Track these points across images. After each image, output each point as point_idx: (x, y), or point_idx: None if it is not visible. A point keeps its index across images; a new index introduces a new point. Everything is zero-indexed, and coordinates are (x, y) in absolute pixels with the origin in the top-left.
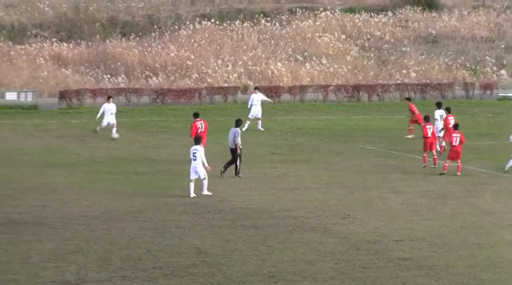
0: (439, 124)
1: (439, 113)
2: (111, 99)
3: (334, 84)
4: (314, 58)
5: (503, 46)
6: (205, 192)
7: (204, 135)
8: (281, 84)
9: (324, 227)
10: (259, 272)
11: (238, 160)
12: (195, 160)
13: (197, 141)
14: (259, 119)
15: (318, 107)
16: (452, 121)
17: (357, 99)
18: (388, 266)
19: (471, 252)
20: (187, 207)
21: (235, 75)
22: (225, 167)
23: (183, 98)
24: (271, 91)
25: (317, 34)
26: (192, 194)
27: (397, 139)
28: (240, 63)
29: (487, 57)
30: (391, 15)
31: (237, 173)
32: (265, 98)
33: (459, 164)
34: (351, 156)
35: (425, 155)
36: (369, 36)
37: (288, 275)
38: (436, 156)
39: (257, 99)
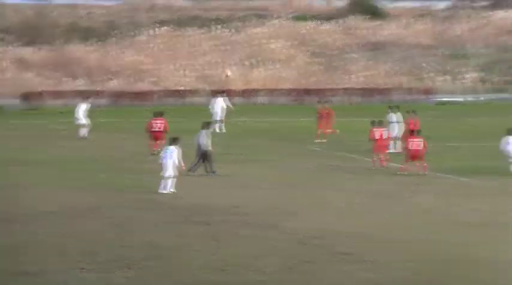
0: (394, 128)
1: (395, 117)
2: (89, 99)
3: (284, 87)
4: (265, 63)
5: (441, 54)
6: (172, 189)
7: (163, 134)
8: (233, 88)
9: (272, 224)
10: (209, 265)
11: (207, 161)
12: (170, 158)
13: (173, 141)
14: (222, 122)
15: (268, 109)
16: (415, 124)
17: (302, 103)
18: (332, 260)
19: (410, 247)
20: (143, 203)
21: (189, 79)
22: (200, 166)
23: (140, 100)
24: (217, 93)
25: (268, 40)
26: (165, 191)
27: (343, 141)
28: (195, 67)
29: (429, 64)
30: (339, 23)
31: (212, 171)
32: (228, 103)
33: (424, 164)
34: (299, 157)
35: (374, 158)
36: (317, 43)
37: (236, 268)
38: (382, 158)
39: (220, 102)
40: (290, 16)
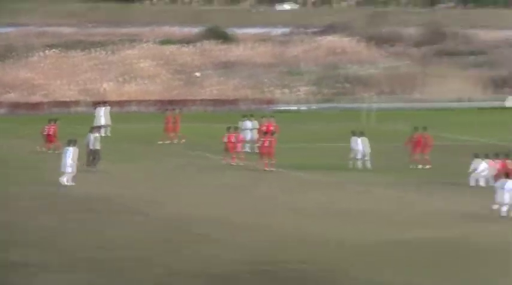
0: (248, 133)
1: (250, 124)
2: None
3: (151, 99)
4: (136, 79)
5: (279, 71)
6: (69, 183)
7: (54, 137)
8: (110, 99)
9: (141, 211)
10: (90, 244)
11: (96, 158)
12: (68, 157)
13: (71, 142)
14: (105, 126)
15: (139, 117)
16: (273, 127)
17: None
18: (188, 240)
19: (253, 229)
20: (39, 194)
21: (73, 92)
22: (90, 165)
23: (33, 110)
24: (100, 104)
25: (138, 60)
26: (66, 183)
27: (200, 143)
28: (78, 82)
29: (270, 79)
30: (196, 46)
31: (94, 165)
32: (108, 113)
33: (272, 162)
34: (164, 156)
35: (226, 157)
36: (178, 63)
37: (112, 246)
38: (234, 156)
39: (103, 111)
40: (156, 41)
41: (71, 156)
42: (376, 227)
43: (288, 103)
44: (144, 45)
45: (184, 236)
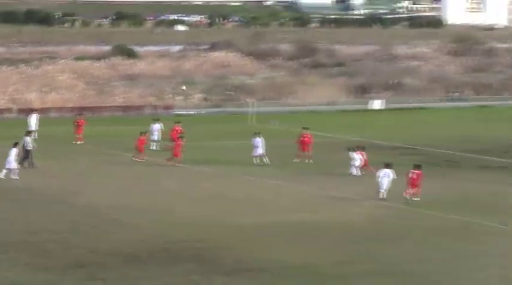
0: (155, 134)
1: (158, 126)
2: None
3: (69, 106)
4: (56, 89)
5: (177, 81)
6: (13, 177)
7: None
8: (35, 107)
9: (64, 200)
10: (21, 229)
11: (29, 158)
12: (13, 155)
13: (14, 144)
14: (35, 131)
15: (59, 122)
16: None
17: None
18: (103, 224)
19: (158, 214)
20: None
21: (3, 101)
22: (22, 163)
23: None
24: (31, 111)
25: (57, 74)
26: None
27: (116, 142)
28: (7, 93)
29: (169, 88)
30: (106, 61)
31: (30, 165)
32: (37, 119)
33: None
34: (84, 154)
35: (141, 156)
36: (92, 75)
37: (40, 231)
38: (143, 155)
39: (34, 117)
40: (73, 57)
41: (14, 154)
42: (261, 211)
43: (185, 108)
44: (62, 61)
45: (99, 221)
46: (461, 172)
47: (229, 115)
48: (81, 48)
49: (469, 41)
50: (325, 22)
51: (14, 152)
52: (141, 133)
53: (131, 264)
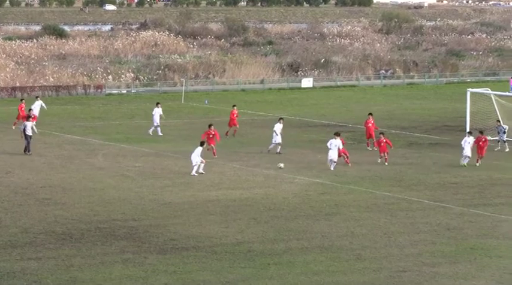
0: None
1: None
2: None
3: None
4: None
5: (107, 61)
6: None
7: None
8: None
9: None
10: None
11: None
12: None
13: None
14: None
15: None
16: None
17: (14, 96)
18: (36, 203)
19: (90, 193)
20: None
21: None
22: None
23: None
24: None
25: None
26: None
27: (48, 122)
28: None
29: (98, 68)
30: (36, 41)
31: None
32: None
33: None
34: (11, 134)
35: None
36: (22, 55)
37: None
38: None
39: (38, 104)
40: (1, 37)
41: None
42: (193, 188)
43: (116, 87)
44: None
45: (31, 200)
46: (391, 149)
47: (160, 94)
48: (11, 28)
49: (397, 19)
50: (254, 1)
51: None
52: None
53: (64, 243)
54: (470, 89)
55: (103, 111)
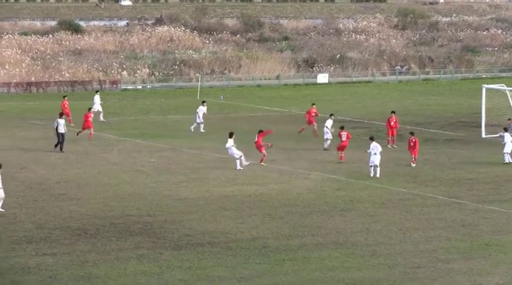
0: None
1: (98, 98)
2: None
3: (16, 81)
4: (2, 65)
5: (123, 56)
6: None
7: None
8: None
9: (11, 175)
10: None
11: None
12: None
13: None
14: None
15: (6, 97)
16: None
17: (29, 91)
18: (51, 199)
19: (105, 188)
20: None
21: None
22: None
23: None
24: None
25: (3, 50)
26: None
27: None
28: None
29: (114, 63)
30: (52, 36)
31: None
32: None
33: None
34: (29, 129)
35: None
36: (37, 51)
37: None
38: (92, 132)
39: (98, 98)
40: (17, 33)
41: None
42: (208, 184)
43: (131, 83)
44: (6, 37)
45: (46, 196)
46: (406, 145)
47: (176, 89)
48: (27, 23)
49: (413, 15)
50: None
51: None
52: (89, 109)
53: (79, 238)
54: (485, 85)
55: (118, 106)
